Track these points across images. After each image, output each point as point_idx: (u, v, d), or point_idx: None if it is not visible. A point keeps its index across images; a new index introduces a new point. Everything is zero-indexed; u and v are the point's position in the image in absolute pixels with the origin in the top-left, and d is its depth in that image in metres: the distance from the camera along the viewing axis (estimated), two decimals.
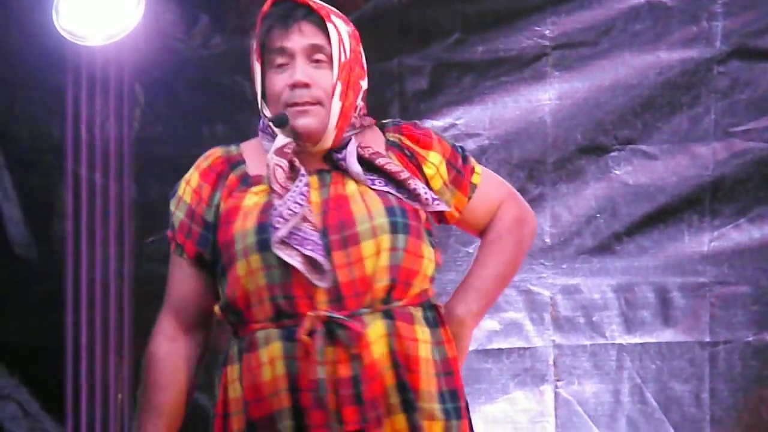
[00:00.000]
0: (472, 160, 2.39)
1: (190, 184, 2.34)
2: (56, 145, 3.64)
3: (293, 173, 2.26)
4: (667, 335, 3.60)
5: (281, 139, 2.28)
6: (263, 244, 2.22)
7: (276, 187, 2.22)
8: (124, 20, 3.47)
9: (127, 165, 3.63)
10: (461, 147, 2.39)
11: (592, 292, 3.62)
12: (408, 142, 2.34)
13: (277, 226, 2.21)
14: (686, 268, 3.60)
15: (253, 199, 2.27)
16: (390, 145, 2.33)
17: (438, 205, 2.29)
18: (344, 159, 2.27)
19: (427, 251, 2.27)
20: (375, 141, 2.34)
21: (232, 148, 2.36)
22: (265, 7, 2.28)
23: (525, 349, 3.64)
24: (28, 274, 3.71)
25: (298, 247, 2.20)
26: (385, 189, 2.26)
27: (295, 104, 2.22)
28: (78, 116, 3.67)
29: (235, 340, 2.34)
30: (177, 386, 2.34)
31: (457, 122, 3.65)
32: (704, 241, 3.60)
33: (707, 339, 3.58)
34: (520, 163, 3.65)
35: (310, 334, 2.21)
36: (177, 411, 2.36)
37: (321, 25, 2.24)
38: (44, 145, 3.67)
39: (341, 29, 2.27)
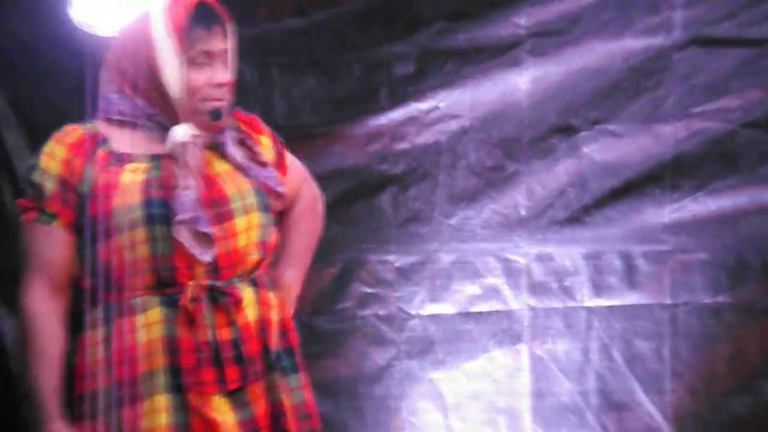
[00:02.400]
0: (283, 143, 2.53)
1: (54, 157, 2.37)
2: None
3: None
4: (632, 298, 3.67)
5: (188, 130, 2.35)
6: (150, 218, 2.31)
7: (190, 178, 2.31)
8: (134, 11, 3.23)
9: None
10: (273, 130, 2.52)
11: (564, 259, 3.68)
12: (243, 127, 2.46)
13: (185, 209, 2.30)
14: (649, 237, 3.66)
15: (129, 176, 2.34)
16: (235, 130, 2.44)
17: (281, 188, 2.42)
18: (225, 143, 2.39)
19: (275, 227, 2.44)
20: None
21: (89, 125, 2.42)
22: (189, 7, 2.36)
23: (503, 311, 3.70)
24: None
25: (192, 224, 2.30)
26: (253, 173, 2.39)
27: (216, 100, 2.34)
28: (93, 100, 3.46)
29: (97, 307, 2.37)
30: (61, 341, 2.38)
31: (440, 105, 3.69)
32: (665, 212, 3.65)
33: (668, 301, 3.65)
34: (498, 142, 3.69)
35: (194, 300, 2.30)
36: (61, 366, 2.39)
37: (227, 28, 2.38)
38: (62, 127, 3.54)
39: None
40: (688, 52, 3.61)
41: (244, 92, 3.52)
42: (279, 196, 2.45)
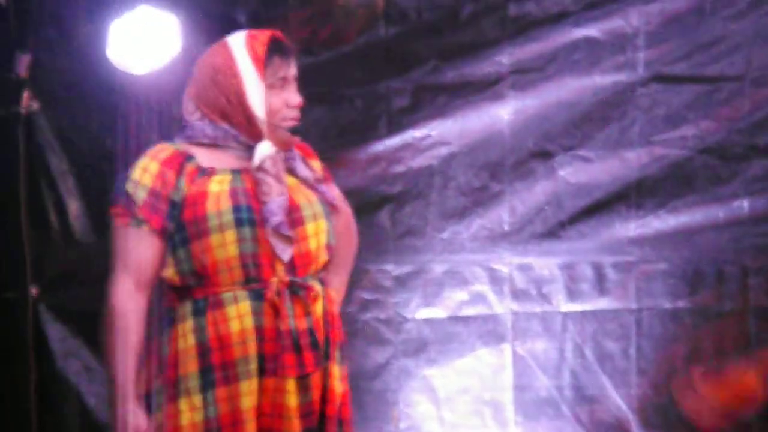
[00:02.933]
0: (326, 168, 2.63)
1: (148, 170, 2.44)
2: (109, 153, 3.70)
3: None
4: (602, 303, 3.75)
5: (271, 145, 2.45)
6: (238, 222, 2.39)
7: (277, 188, 2.42)
8: (163, 53, 3.57)
9: None
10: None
11: (542, 269, 3.76)
12: (298, 151, 2.56)
13: (274, 213, 2.39)
14: (617, 250, 3.73)
15: (217, 186, 2.42)
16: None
17: (336, 201, 2.54)
18: (294, 160, 2.50)
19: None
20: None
21: (178, 145, 2.48)
22: (266, 41, 2.48)
23: (488, 315, 3.77)
24: (87, 254, 3.77)
25: (275, 229, 2.40)
26: (317, 187, 2.53)
27: (292, 119, 2.49)
28: (127, 130, 3.64)
29: (186, 302, 2.43)
30: (141, 334, 2.44)
31: (432, 133, 3.78)
32: (631, 227, 3.74)
33: (634, 306, 3.72)
34: (483, 165, 3.77)
35: (277, 294, 2.39)
36: (140, 356, 2.45)
37: (293, 60, 2.52)
38: (100, 153, 3.75)
39: None
40: (650, 88, 3.71)
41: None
42: (335, 208, 2.54)
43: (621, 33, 3.71)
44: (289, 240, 2.40)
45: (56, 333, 3.78)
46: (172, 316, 2.45)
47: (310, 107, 3.57)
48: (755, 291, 3.66)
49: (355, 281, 3.62)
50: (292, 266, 2.42)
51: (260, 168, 2.43)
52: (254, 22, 3.65)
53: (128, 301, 2.43)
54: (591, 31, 3.72)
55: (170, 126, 3.50)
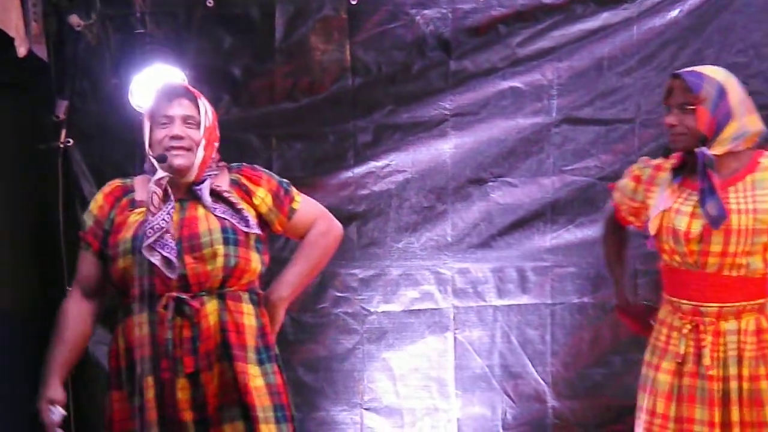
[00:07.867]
0: (293, 192, 2.75)
1: (96, 202, 2.66)
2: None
3: (166, 198, 2.59)
4: (524, 299, 4.03)
5: (159, 173, 2.60)
6: (135, 249, 2.59)
7: (152, 208, 2.57)
8: None
9: None
10: (286, 183, 2.74)
11: (477, 272, 4.04)
12: (244, 180, 2.70)
13: (149, 235, 2.53)
14: (536, 257, 4.02)
15: (135, 217, 2.63)
16: (232, 182, 2.70)
17: (254, 229, 2.64)
18: (200, 190, 2.62)
19: (254, 257, 2.66)
20: (223, 179, 2.69)
21: (128, 180, 2.66)
22: (159, 87, 2.68)
23: (435, 309, 4.04)
24: None
25: (159, 250, 2.56)
26: (223, 216, 2.62)
27: (172, 148, 2.63)
28: (144, 161, 3.15)
29: (120, 308, 2.68)
30: (79, 331, 2.66)
31: (391, 163, 4.04)
32: (547, 239, 4.04)
33: (549, 301, 4.01)
34: (431, 189, 4.03)
35: (165, 307, 2.61)
36: (77, 347, 2.66)
37: (194, 101, 2.67)
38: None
39: (207, 106, 2.68)
40: (561, 128, 3.99)
41: (251, 154, 3.85)
42: (246, 233, 2.65)
43: (538, 84, 3.99)
44: (169, 262, 2.55)
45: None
46: (116, 319, 2.74)
47: (293, 143, 4.02)
48: (642, 288, 3.89)
49: (328, 283, 4.01)
50: (186, 284, 2.59)
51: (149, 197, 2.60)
52: (247, 75, 3.92)
53: (72, 305, 2.69)
54: (515, 82, 4.00)
55: None
